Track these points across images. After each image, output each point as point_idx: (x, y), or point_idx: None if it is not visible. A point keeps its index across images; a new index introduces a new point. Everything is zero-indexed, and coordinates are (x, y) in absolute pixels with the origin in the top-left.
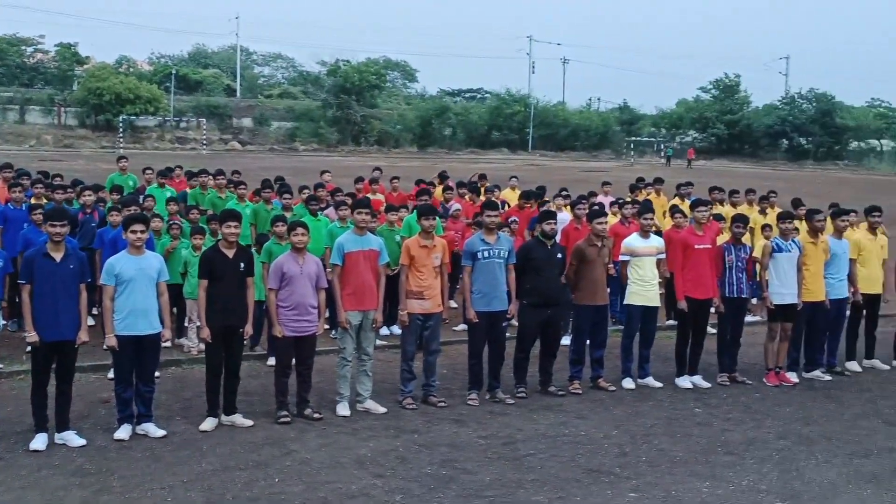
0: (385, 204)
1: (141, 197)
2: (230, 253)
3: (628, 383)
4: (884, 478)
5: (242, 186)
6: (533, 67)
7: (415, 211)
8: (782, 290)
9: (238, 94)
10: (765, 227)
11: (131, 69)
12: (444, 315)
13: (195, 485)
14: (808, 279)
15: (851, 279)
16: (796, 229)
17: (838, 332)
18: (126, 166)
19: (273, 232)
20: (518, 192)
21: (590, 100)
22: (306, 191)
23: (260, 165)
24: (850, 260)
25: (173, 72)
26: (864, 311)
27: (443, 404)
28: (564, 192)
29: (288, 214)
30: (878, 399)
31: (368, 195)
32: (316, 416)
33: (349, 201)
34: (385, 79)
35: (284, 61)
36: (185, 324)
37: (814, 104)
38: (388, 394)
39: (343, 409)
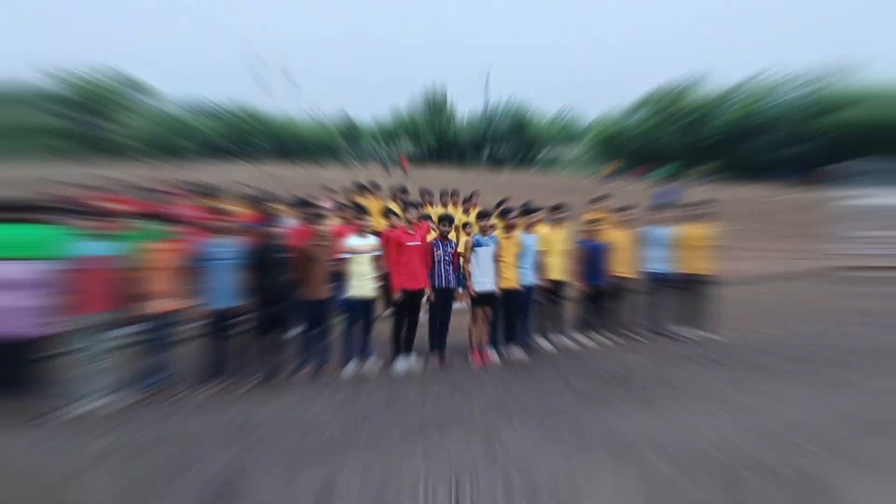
0: None
1: None
2: None
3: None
4: (574, 443)
5: None
6: None
7: None
8: (483, 279)
9: None
10: (465, 224)
11: None
12: None
13: None
14: (503, 269)
15: (539, 268)
16: (493, 226)
17: (531, 313)
18: None
19: None
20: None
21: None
22: None
23: None
24: (538, 251)
25: None
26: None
27: None
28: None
29: None
30: (568, 374)
31: None
32: None
33: None
34: None
35: None
36: None
37: (510, 116)
38: None
39: None
